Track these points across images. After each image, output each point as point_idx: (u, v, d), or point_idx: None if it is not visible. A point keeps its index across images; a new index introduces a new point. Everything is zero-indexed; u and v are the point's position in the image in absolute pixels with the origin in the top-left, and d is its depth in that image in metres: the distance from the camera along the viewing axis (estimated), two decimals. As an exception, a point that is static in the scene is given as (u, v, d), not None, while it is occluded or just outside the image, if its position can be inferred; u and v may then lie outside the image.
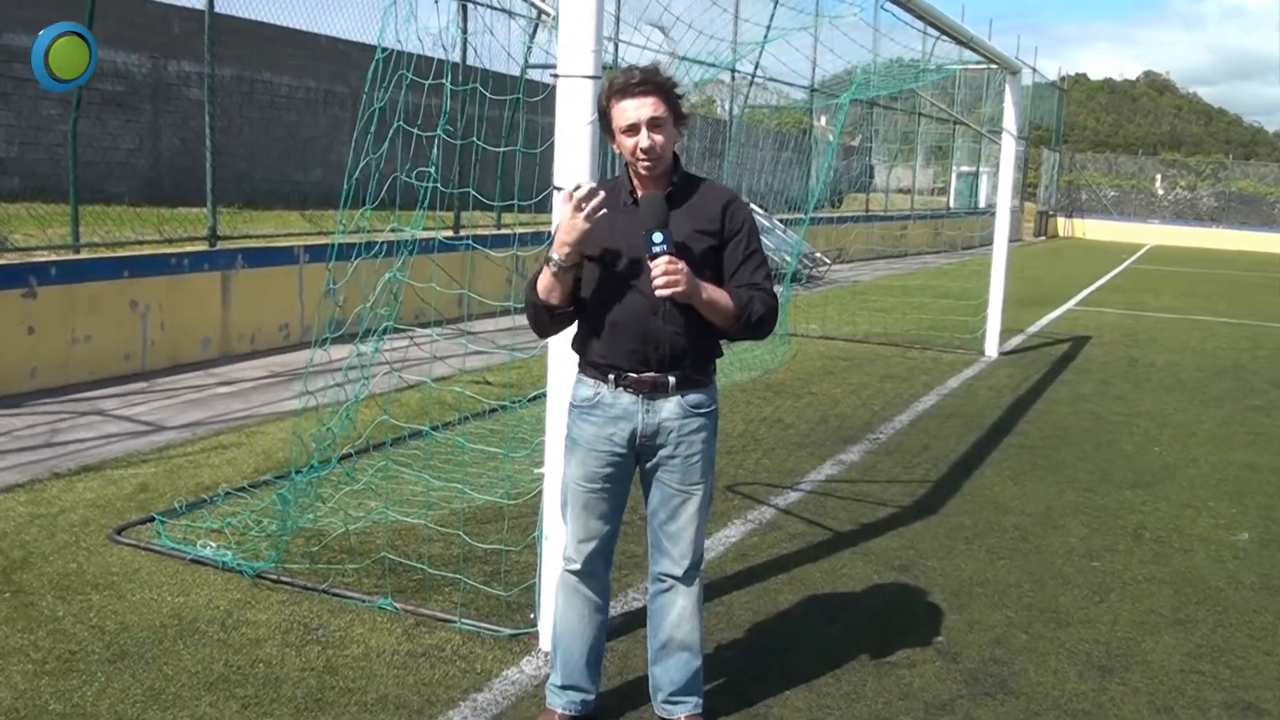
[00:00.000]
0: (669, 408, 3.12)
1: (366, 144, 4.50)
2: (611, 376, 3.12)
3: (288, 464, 5.61)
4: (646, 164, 3.03)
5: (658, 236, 2.94)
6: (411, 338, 5.41)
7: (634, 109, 3.00)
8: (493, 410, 7.00)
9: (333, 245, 4.85)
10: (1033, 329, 13.57)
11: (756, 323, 3.11)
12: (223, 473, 5.89)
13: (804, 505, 5.83)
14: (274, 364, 9.03)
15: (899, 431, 7.69)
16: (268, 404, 7.63)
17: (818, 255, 18.61)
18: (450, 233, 11.83)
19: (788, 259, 17.13)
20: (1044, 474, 6.71)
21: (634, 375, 3.10)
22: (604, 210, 2.96)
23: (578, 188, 3.00)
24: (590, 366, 3.18)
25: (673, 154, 3.11)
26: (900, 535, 5.42)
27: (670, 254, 2.93)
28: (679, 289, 2.92)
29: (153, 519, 5.02)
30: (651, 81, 3.02)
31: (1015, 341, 12.33)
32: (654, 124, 3.01)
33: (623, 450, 3.15)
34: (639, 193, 3.08)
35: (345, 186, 4.54)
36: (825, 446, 7.13)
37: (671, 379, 3.11)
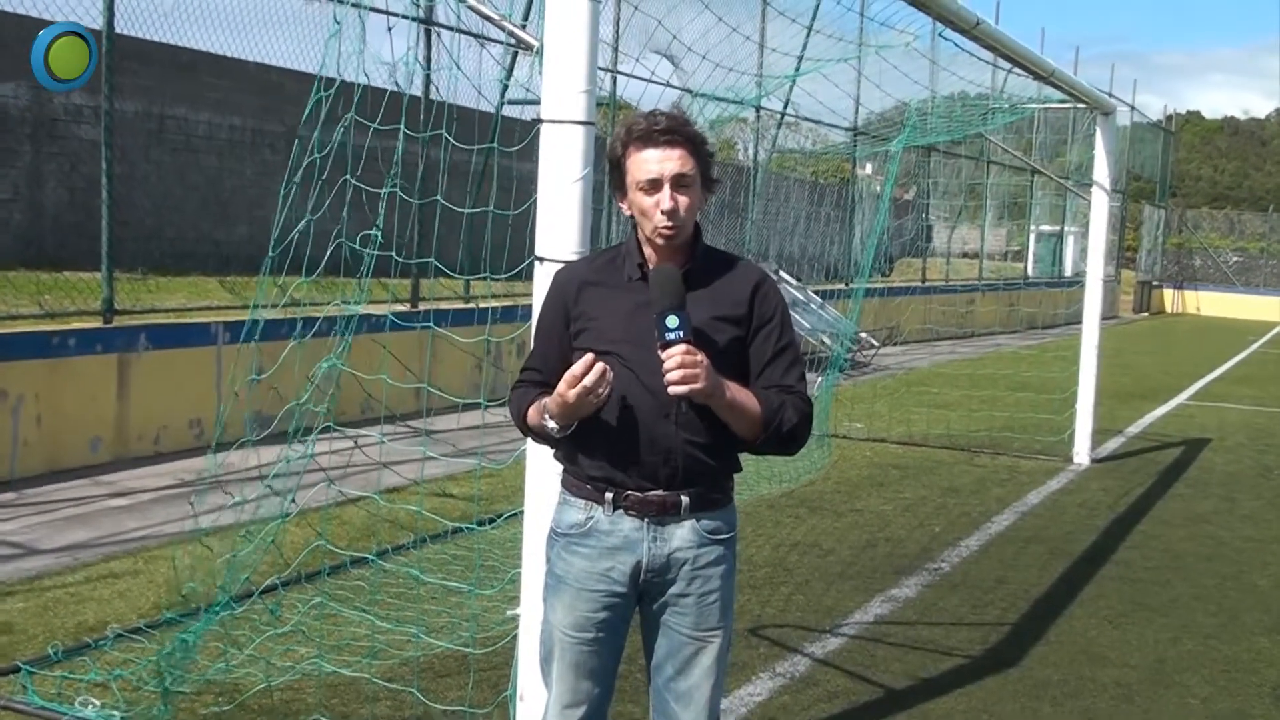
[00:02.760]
0: (681, 534, 3.12)
1: (292, 196, 4.56)
2: (609, 496, 3.11)
3: (196, 599, 5.58)
4: (666, 231, 3.05)
5: (673, 320, 2.93)
6: (355, 440, 5.43)
7: (657, 161, 3.04)
8: (455, 532, 6.97)
9: (255, 321, 4.90)
10: (1134, 429, 13.59)
11: (788, 435, 3.12)
12: (112, 609, 5.86)
13: (847, 654, 5.79)
14: (182, 470, 9.03)
15: (966, 560, 7.67)
16: (172, 521, 7.61)
17: (863, 336, 18.73)
18: (406, 307, 11.92)
19: (827, 342, 17.24)
20: (1152, 615, 6.68)
21: (638, 494, 3.09)
22: (611, 376, 2.95)
23: (589, 371, 2.92)
24: (580, 483, 3.17)
25: (694, 224, 3.15)
26: (970, 694, 5.37)
27: (688, 342, 2.93)
28: (697, 386, 2.92)
29: (18, 669, 4.97)
30: (680, 131, 3.06)
31: (1112, 445, 12.35)
32: (679, 182, 3.04)
33: (623, 589, 3.14)
34: (649, 265, 3.12)
35: (271, 252, 4.61)
36: (874, 578, 7.10)
37: (684, 499, 3.10)
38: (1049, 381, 14.49)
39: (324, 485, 5.33)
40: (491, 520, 6.90)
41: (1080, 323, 11.81)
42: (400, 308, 11.66)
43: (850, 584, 6.97)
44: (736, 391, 3.04)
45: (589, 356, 2.94)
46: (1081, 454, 11.32)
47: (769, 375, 3.13)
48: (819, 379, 11.58)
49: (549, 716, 3.25)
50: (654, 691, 3.25)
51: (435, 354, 10.13)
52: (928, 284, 25.82)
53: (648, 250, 3.13)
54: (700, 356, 2.93)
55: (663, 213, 3.03)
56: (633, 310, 3.07)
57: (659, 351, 2.93)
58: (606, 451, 3.09)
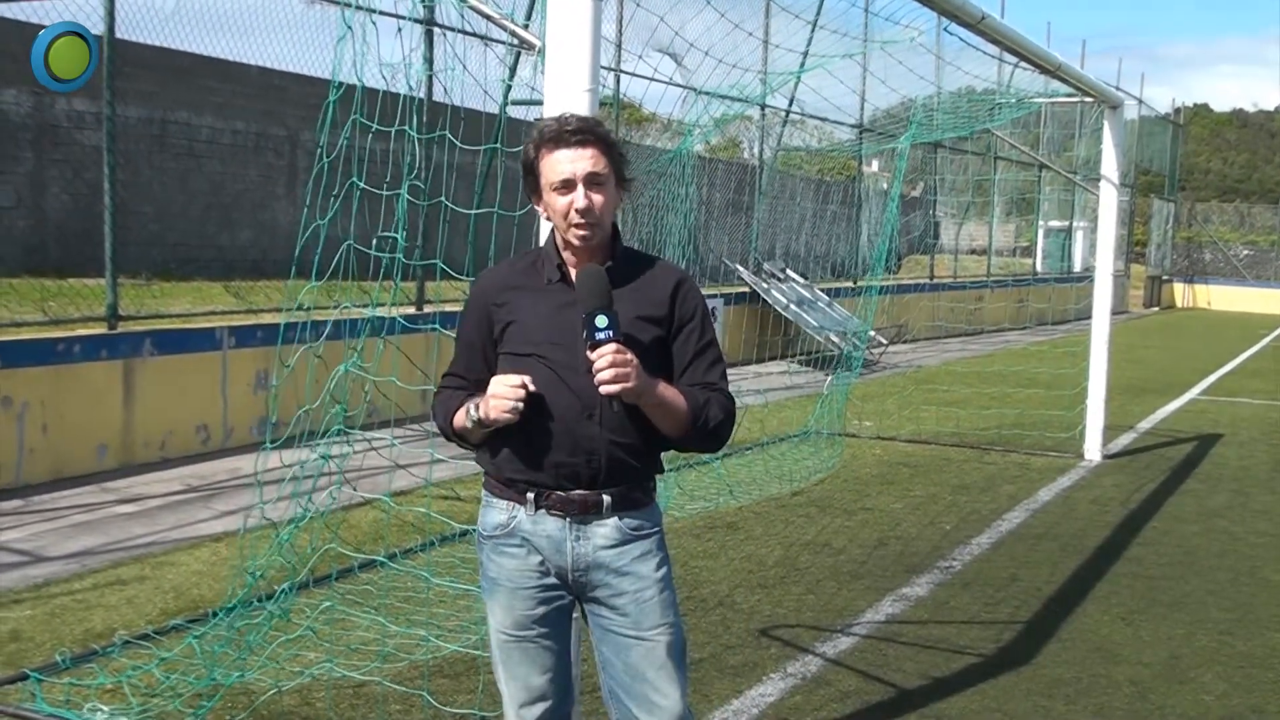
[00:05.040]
0: (604, 532, 3.14)
1: (333, 207, 4.59)
2: (531, 496, 3.14)
3: (221, 602, 5.61)
4: (582, 231, 3.09)
5: (601, 319, 2.96)
6: (370, 442, 5.44)
7: (568, 161, 3.07)
8: (464, 534, 6.99)
9: (283, 324, 4.93)
10: (1145, 425, 13.58)
11: (713, 430, 3.17)
12: (120, 616, 5.88)
13: (859, 654, 5.80)
14: (189, 476, 9.06)
15: (978, 558, 7.67)
16: (180, 527, 7.63)
17: (871, 333, 18.72)
18: (412, 310, 11.94)
19: (835, 340, 17.24)
20: (1166, 612, 6.68)
21: (560, 494, 3.12)
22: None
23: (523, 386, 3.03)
24: (502, 485, 3.19)
25: (612, 224, 3.19)
26: (982, 692, 5.37)
27: (618, 341, 2.96)
28: (628, 385, 2.95)
29: (26, 676, 5.00)
30: (591, 131, 3.11)
31: (1124, 441, 12.34)
32: (592, 181, 3.08)
33: (556, 582, 3.18)
34: (569, 268, 3.15)
35: (295, 255, 4.63)
36: (885, 578, 7.11)
37: (606, 498, 3.13)
38: (1059, 378, 14.49)
39: (334, 488, 5.35)
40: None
41: (1090, 318, 11.79)
42: (407, 310, 11.68)
43: (861, 583, 6.97)
44: (664, 389, 3.09)
45: (519, 381, 2.99)
46: (1093, 450, 11.31)
47: (692, 374, 3.18)
48: (829, 378, 11.58)
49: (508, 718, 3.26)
50: (613, 701, 3.24)
51: (441, 356, 10.16)
52: (936, 281, 25.80)
53: (566, 252, 3.17)
54: (630, 355, 2.97)
55: (577, 211, 3.07)
56: (554, 312, 3.11)
57: (588, 351, 2.96)
58: (529, 453, 3.11)
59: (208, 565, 6.74)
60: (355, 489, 5.81)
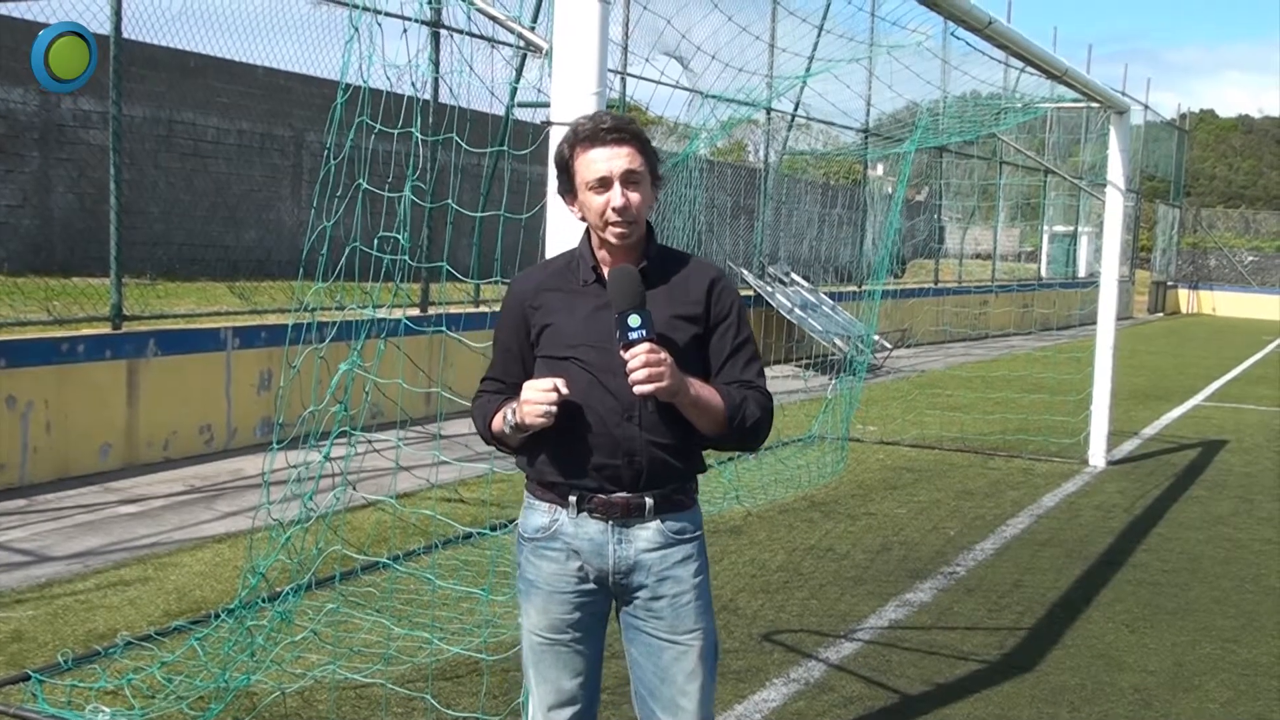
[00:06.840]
0: (646, 536, 3.14)
1: (338, 209, 4.59)
2: (573, 499, 3.14)
3: (224, 604, 5.59)
4: (619, 229, 3.08)
5: (634, 319, 2.95)
6: (370, 443, 5.45)
7: (605, 160, 3.06)
8: (468, 536, 6.99)
9: (290, 325, 4.92)
10: (1150, 431, 13.56)
11: (751, 428, 3.15)
12: (122, 616, 5.88)
13: (862, 659, 5.79)
14: (192, 477, 9.06)
15: (981, 563, 7.66)
16: (183, 528, 7.63)
17: (875, 338, 18.71)
18: (416, 311, 11.94)
19: (839, 344, 17.23)
20: (1170, 619, 6.66)
21: (602, 497, 3.12)
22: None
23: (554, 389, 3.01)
24: (544, 488, 3.19)
25: (646, 223, 3.18)
26: (986, 699, 5.36)
27: (650, 340, 2.95)
28: (662, 384, 2.94)
29: (28, 677, 4.99)
30: (626, 130, 3.10)
31: (1128, 447, 12.32)
32: (629, 179, 3.07)
33: (594, 588, 3.17)
34: (603, 268, 3.14)
35: (303, 256, 4.63)
36: (888, 583, 7.10)
37: (649, 500, 3.12)
38: (1063, 383, 14.47)
39: (338, 490, 5.34)
40: (504, 525, 6.92)
41: (1095, 324, 11.78)
42: (411, 312, 11.68)
43: (865, 588, 6.96)
44: (700, 388, 3.07)
45: (551, 385, 2.98)
46: (1097, 456, 11.30)
47: (728, 371, 3.17)
48: (833, 382, 11.57)
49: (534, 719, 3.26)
50: (638, 703, 3.24)
51: (446, 358, 10.16)
52: (940, 285, 25.80)
53: (601, 252, 3.16)
54: (664, 355, 2.95)
55: (614, 210, 3.06)
56: (590, 314, 3.10)
57: (621, 352, 2.95)
58: (569, 456, 3.11)
59: (210, 566, 6.74)
60: (355, 488, 5.81)
